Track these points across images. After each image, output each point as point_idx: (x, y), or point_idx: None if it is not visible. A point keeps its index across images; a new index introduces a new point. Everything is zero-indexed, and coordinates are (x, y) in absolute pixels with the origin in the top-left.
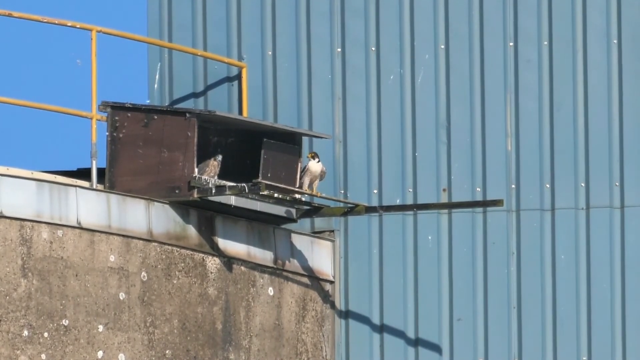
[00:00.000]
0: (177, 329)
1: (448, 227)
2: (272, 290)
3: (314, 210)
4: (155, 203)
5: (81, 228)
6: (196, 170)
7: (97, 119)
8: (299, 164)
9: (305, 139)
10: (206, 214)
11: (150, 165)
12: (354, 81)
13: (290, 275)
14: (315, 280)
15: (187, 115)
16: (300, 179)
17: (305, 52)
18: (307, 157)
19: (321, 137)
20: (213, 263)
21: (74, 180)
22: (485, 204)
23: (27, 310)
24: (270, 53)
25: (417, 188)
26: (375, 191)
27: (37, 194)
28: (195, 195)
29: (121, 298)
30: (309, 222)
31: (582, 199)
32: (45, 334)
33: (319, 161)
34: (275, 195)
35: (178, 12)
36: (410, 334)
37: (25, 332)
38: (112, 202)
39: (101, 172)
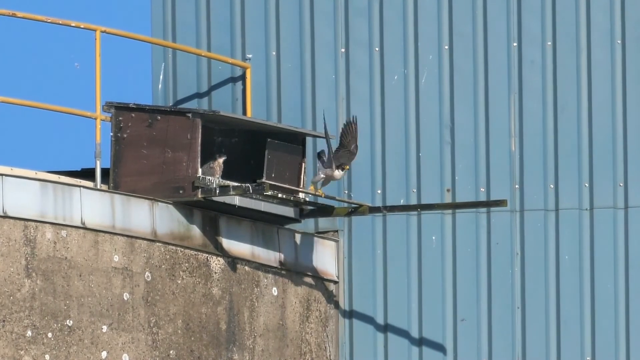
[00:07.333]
0: (181, 329)
1: (452, 228)
2: (276, 291)
3: (318, 211)
4: (159, 203)
5: (85, 228)
6: (200, 170)
7: (101, 120)
8: (303, 164)
9: (309, 139)
10: (210, 214)
11: (154, 166)
12: (357, 81)
13: (294, 275)
14: (319, 280)
15: (191, 115)
16: (316, 175)
17: (309, 53)
18: (345, 169)
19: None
20: (217, 263)
21: (78, 180)
22: (489, 204)
23: (30, 310)
24: (274, 53)
25: (421, 188)
26: (379, 191)
27: (41, 194)
28: (199, 195)
29: (125, 298)
30: (312, 222)
31: (586, 199)
32: (49, 335)
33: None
34: (279, 195)
35: (182, 12)
36: (414, 334)
37: (29, 333)
38: (116, 203)
39: (105, 173)
